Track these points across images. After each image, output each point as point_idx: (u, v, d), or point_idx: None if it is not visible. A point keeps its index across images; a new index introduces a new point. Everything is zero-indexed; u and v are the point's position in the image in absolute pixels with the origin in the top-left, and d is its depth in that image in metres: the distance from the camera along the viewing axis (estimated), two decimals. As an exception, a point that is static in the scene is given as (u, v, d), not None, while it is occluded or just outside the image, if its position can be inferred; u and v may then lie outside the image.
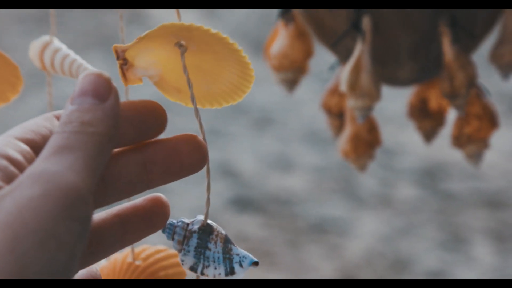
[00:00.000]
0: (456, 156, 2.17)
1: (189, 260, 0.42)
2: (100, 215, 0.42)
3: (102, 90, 0.38)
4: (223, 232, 0.43)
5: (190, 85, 0.42)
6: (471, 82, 0.72)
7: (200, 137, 0.43)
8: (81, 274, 0.43)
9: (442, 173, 2.05)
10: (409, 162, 2.09)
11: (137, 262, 0.48)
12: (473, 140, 0.73)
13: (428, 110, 0.81)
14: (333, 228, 1.86)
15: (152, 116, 0.42)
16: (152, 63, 0.42)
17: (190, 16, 2.59)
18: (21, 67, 0.57)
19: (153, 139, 0.43)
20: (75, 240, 0.34)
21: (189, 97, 0.43)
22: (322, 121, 0.96)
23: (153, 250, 0.49)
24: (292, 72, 0.79)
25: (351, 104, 0.73)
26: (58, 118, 0.40)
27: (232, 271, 0.41)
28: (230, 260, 0.41)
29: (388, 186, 2.00)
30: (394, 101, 2.30)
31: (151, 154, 0.42)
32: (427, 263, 1.75)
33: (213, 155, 2.15)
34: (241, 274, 0.41)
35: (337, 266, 1.74)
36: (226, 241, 0.42)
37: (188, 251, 0.42)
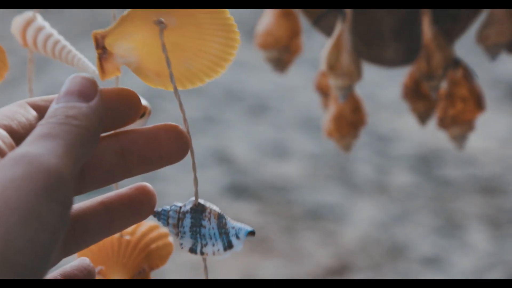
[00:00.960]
0: (461, 148, 2.17)
1: (187, 242, 0.42)
2: (85, 203, 0.43)
3: (87, 91, 0.39)
4: (217, 209, 0.43)
5: (168, 64, 0.42)
6: (448, 63, 0.72)
7: (184, 127, 0.43)
8: (72, 265, 0.43)
9: (438, 159, 2.05)
10: (405, 148, 2.09)
11: (126, 237, 0.48)
12: (457, 122, 0.73)
13: (421, 91, 0.81)
14: (329, 215, 1.86)
15: (125, 103, 0.42)
16: (130, 49, 0.42)
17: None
18: (16, 54, 0.57)
19: (131, 129, 0.43)
20: (57, 221, 0.35)
21: (169, 79, 0.43)
22: (318, 108, 0.96)
23: (134, 225, 0.49)
24: (278, 51, 0.79)
25: (331, 83, 0.73)
26: (31, 105, 0.41)
27: (230, 245, 0.41)
28: (227, 234, 0.41)
29: (383, 173, 2.01)
30: (390, 88, 2.30)
31: (128, 143, 0.42)
32: (422, 249, 1.75)
33: (208, 142, 2.15)
34: (239, 246, 0.41)
35: (332, 253, 1.75)
36: (220, 216, 0.42)
37: (184, 233, 0.42)
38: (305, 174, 2.01)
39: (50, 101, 0.41)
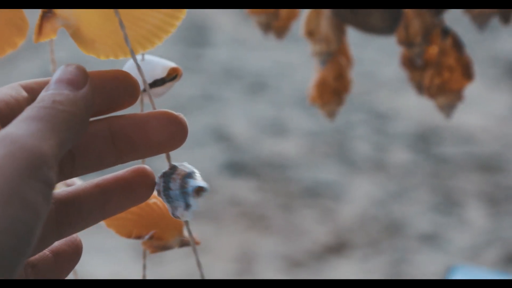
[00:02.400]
0: (450, 120, 2.17)
1: (168, 207, 0.41)
2: (80, 185, 0.42)
3: (77, 80, 0.39)
4: (188, 169, 0.41)
5: (122, 26, 0.40)
6: (427, 31, 0.71)
7: (182, 117, 0.42)
8: (61, 240, 0.43)
9: (436, 137, 2.05)
10: (403, 126, 2.09)
11: (152, 201, 0.47)
12: (443, 91, 0.73)
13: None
14: (327, 192, 1.86)
15: (121, 86, 0.42)
16: (73, 11, 0.41)
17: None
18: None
19: (122, 114, 0.42)
20: (40, 199, 0.34)
21: (104, 47, 0.41)
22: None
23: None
24: (266, 15, 0.79)
25: (311, 49, 0.73)
26: (24, 87, 0.41)
27: (188, 205, 0.40)
28: (186, 193, 0.40)
29: (381, 151, 2.01)
30: (388, 66, 2.29)
31: (118, 129, 0.42)
32: (420, 226, 1.76)
33: (206, 120, 2.15)
34: (195, 205, 0.40)
35: (330, 230, 1.75)
36: (186, 176, 0.41)
37: (163, 199, 0.41)
38: (303, 151, 2.01)
39: (43, 84, 0.41)
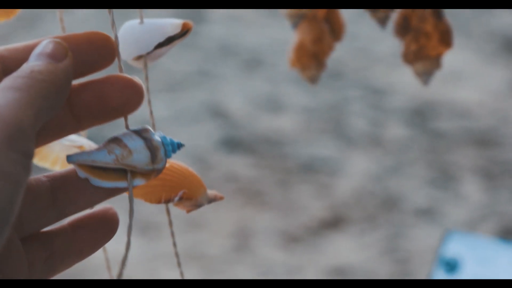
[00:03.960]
0: (446, 95, 2.17)
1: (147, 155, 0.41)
2: (67, 168, 0.42)
3: (57, 53, 0.39)
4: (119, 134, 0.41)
5: (114, 24, 0.40)
6: None
7: (136, 79, 0.42)
8: (97, 212, 0.42)
9: (432, 112, 2.05)
10: (399, 102, 2.09)
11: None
12: (419, 57, 0.73)
13: (411, 28, 0.81)
14: (323, 168, 1.87)
15: (96, 47, 0.41)
16: None
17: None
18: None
19: (78, 83, 0.42)
20: (19, 170, 0.34)
21: None
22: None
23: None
24: None
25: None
26: None
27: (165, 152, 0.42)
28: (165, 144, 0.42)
29: (377, 126, 2.01)
30: (384, 42, 2.29)
31: (74, 96, 0.42)
32: (416, 200, 1.76)
33: (202, 96, 2.15)
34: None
35: (327, 205, 1.75)
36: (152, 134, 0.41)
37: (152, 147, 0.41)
38: (300, 127, 2.01)
39: (15, 51, 0.41)
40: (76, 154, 0.40)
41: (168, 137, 0.42)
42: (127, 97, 0.42)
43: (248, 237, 1.67)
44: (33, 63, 0.38)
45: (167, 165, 0.45)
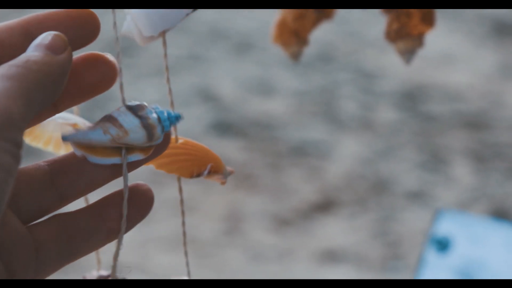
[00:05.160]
0: (437, 78, 2.18)
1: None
2: (66, 153, 0.41)
3: (56, 46, 0.39)
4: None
5: (115, 26, 0.40)
6: None
7: (108, 56, 0.41)
8: (130, 188, 0.41)
9: (422, 95, 2.05)
10: (390, 85, 2.09)
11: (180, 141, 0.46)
12: (401, 36, 0.73)
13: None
14: (314, 151, 1.87)
15: (78, 25, 0.41)
16: None
17: None
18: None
19: None
20: (9, 160, 0.34)
21: None
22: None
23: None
24: None
25: None
26: None
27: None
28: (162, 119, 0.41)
29: (368, 109, 2.01)
30: (375, 26, 2.29)
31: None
32: (407, 183, 1.76)
33: (193, 80, 2.15)
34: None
35: (317, 188, 1.75)
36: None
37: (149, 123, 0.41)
38: (290, 111, 2.01)
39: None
40: (71, 134, 0.40)
41: (165, 111, 0.41)
42: (101, 74, 0.41)
43: (239, 221, 1.67)
44: (30, 53, 0.38)
45: (181, 141, 0.45)
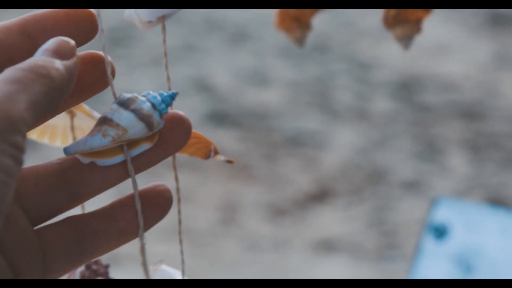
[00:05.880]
0: (432, 68, 2.18)
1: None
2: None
3: (64, 51, 0.38)
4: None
5: (101, 27, 0.40)
6: None
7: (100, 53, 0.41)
8: (144, 190, 0.41)
9: (418, 85, 2.05)
10: (385, 75, 2.09)
11: None
12: (399, 22, 0.73)
13: None
14: (309, 141, 1.87)
15: (75, 24, 0.40)
16: None
17: None
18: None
19: None
20: (10, 164, 0.34)
21: None
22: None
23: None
24: None
25: None
26: None
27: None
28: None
29: (364, 99, 2.01)
30: (370, 16, 2.29)
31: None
32: (402, 173, 1.76)
33: (188, 70, 2.14)
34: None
35: (313, 178, 1.75)
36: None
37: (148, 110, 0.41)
38: (286, 101, 2.01)
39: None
40: (72, 145, 0.39)
41: (157, 95, 0.41)
42: (100, 72, 0.41)
43: (235, 211, 1.68)
44: (37, 58, 0.37)
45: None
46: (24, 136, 0.35)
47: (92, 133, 0.39)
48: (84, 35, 0.40)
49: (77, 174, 0.40)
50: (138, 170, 0.41)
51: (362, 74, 2.09)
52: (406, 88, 2.04)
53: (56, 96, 0.37)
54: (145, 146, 0.40)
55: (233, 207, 1.69)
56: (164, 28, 0.44)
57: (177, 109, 0.41)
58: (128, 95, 0.40)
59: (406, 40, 0.72)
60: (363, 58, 2.16)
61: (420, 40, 0.90)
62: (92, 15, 0.40)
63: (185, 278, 0.45)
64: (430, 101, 2.00)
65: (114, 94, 0.40)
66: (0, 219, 0.33)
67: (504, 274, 0.72)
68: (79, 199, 0.40)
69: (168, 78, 0.45)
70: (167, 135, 0.40)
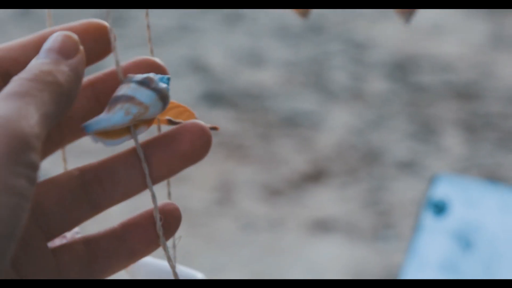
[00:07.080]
0: (427, 49, 2.17)
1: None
2: (99, 160, 0.40)
3: (68, 48, 0.37)
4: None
5: (111, 27, 0.39)
6: None
7: (101, 22, 0.40)
8: (153, 209, 0.41)
9: (413, 66, 2.05)
10: (380, 55, 2.09)
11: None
12: None
13: None
14: (305, 122, 1.87)
15: (93, 39, 0.40)
16: None
17: None
18: None
19: (102, 72, 0.41)
20: (24, 185, 0.33)
21: None
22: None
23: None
24: None
25: None
26: None
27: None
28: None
29: (359, 80, 2.01)
30: (365, -4, 2.28)
31: (101, 86, 0.40)
32: (398, 153, 1.77)
33: (183, 51, 2.14)
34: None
35: (308, 158, 1.76)
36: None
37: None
38: (281, 81, 2.01)
39: (8, 50, 0.39)
40: (94, 123, 0.39)
41: (160, 78, 0.41)
42: (101, 41, 0.40)
43: (230, 191, 1.68)
44: (41, 61, 0.36)
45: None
46: (37, 151, 0.34)
47: (113, 110, 0.38)
48: (101, 50, 0.40)
49: (99, 186, 0.39)
50: (156, 181, 0.40)
51: (357, 55, 2.09)
52: (402, 69, 2.04)
53: (65, 101, 0.36)
54: (143, 129, 0.40)
55: (229, 187, 1.69)
56: (147, 13, 0.44)
57: (172, 90, 0.41)
58: (145, 75, 0.40)
59: (407, 14, 0.72)
60: (359, 38, 2.16)
61: (416, 20, 0.90)
62: (107, 30, 0.39)
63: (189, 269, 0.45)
64: (425, 81, 2.00)
65: (117, 62, 0.40)
66: (15, 241, 0.33)
67: (503, 250, 0.72)
68: (99, 211, 0.40)
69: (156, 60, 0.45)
70: (187, 147, 0.39)
